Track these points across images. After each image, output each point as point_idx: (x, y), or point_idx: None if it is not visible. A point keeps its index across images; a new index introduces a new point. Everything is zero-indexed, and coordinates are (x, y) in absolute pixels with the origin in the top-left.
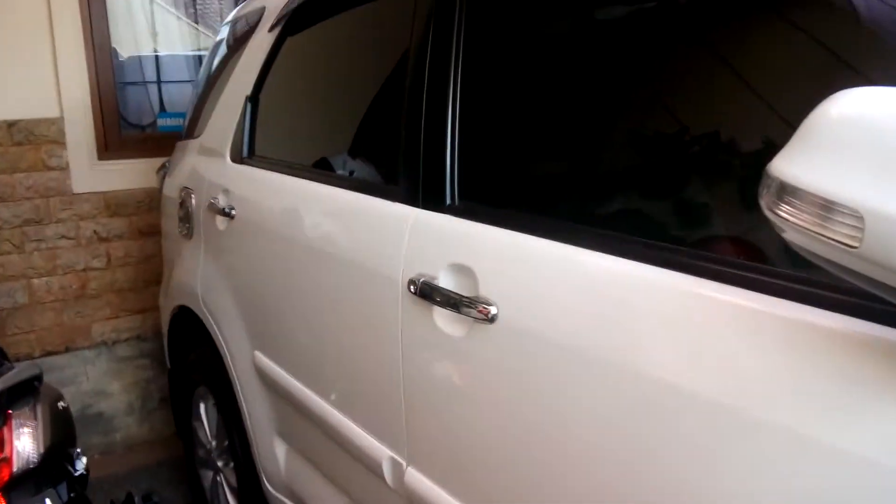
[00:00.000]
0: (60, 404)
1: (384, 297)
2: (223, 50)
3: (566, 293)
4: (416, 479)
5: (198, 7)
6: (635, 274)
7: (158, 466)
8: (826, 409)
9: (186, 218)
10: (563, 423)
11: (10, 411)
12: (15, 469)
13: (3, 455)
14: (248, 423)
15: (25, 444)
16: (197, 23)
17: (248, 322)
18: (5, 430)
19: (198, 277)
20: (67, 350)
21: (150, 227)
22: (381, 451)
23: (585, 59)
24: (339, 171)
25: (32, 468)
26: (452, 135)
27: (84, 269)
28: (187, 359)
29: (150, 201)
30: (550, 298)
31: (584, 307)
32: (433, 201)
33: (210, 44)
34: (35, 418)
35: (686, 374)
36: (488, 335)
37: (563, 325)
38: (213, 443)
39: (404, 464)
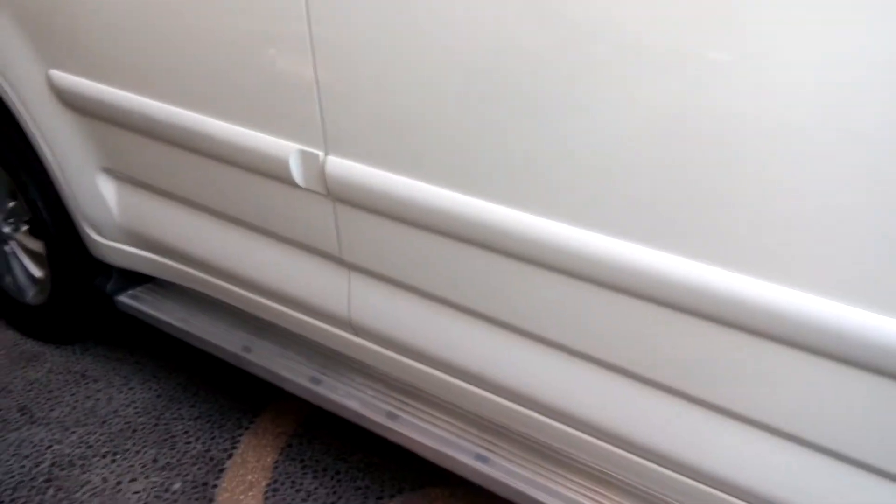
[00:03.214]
0: None
1: None
2: None
3: None
4: (341, 165)
5: None
6: None
7: None
8: None
9: None
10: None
11: None
12: None
13: None
14: (53, 168)
15: None
16: None
17: (33, 35)
18: None
19: None
20: None
21: None
22: (284, 147)
23: None
24: None
25: None
26: None
27: None
28: None
29: None
30: None
31: None
32: None
33: None
34: None
35: None
36: None
37: None
38: None
39: (321, 154)
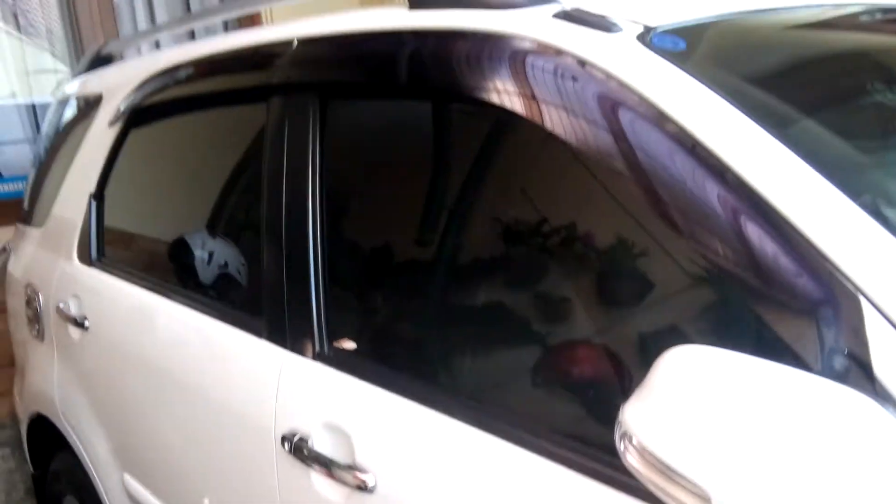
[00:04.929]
0: None
1: (258, 448)
2: (60, 124)
3: (438, 467)
4: None
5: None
6: (506, 457)
7: None
8: None
9: (35, 318)
10: None
11: None
12: None
13: None
14: None
15: None
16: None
17: (114, 443)
18: None
19: (54, 386)
20: None
21: None
22: None
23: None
24: (198, 252)
25: None
26: (317, 270)
27: None
28: (50, 465)
29: None
30: (425, 472)
31: (454, 486)
32: (301, 345)
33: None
34: None
35: None
36: None
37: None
38: None
39: None
